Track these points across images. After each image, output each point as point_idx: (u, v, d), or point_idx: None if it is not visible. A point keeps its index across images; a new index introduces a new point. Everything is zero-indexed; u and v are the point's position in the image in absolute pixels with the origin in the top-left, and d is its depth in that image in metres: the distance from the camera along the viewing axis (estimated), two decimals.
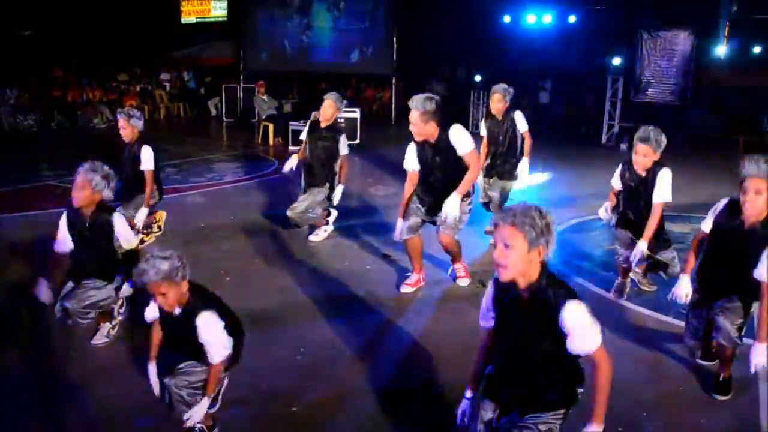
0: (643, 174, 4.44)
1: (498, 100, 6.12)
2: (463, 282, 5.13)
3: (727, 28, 14.99)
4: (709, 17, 14.25)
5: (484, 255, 5.92)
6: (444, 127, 4.65)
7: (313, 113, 6.24)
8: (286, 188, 8.45)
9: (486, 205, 6.46)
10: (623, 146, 13.20)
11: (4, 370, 3.64)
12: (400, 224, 4.87)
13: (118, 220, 3.81)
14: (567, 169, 11.04)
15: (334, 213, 6.54)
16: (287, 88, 17.96)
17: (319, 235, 6.29)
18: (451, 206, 4.57)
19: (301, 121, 12.75)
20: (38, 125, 14.71)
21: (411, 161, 4.84)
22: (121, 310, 4.16)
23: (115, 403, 3.32)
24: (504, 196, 6.33)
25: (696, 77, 13.92)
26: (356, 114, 12.90)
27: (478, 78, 17.20)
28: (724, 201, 3.54)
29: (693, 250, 3.66)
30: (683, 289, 3.64)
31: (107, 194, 3.75)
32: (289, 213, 6.00)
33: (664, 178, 4.35)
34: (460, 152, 4.62)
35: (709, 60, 14.76)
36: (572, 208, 7.43)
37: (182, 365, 2.92)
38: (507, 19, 16.41)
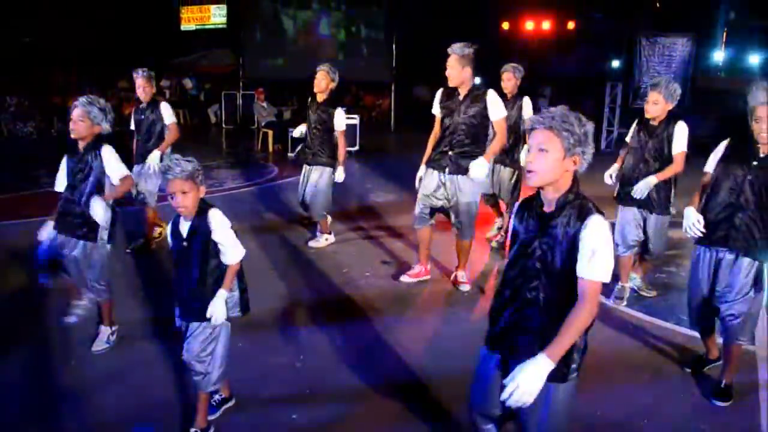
0: (657, 126, 4.46)
1: (507, 78, 6.05)
2: (464, 288, 5.13)
3: (724, 35, 15.08)
4: (707, 24, 14.33)
5: (485, 263, 5.93)
6: (479, 85, 4.82)
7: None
8: (286, 195, 8.47)
9: (491, 197, 6.33)
10: (622, 152, 13.14)
11: (2, 378, 3.63)
12: (422, 171, 4.99)
13: (107, 150, 3.71)
14: None
15: (329, 219, 6.54)
16: (287, 95, 18.01)
17: (320, 242, 6.27)
18: (479, 168, 4.65)
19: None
20: (38, 132, 14.73)
21: (436, 105, 4.96)
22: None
23: (114, 410, 3.30)
24: (508, 185, 6.15)
25: (694, 83, 13.99)
26: (356, 121, 12.92)
27: (477, 81, 17.27)
28: (723, 143, 3.50)
29: (700, 189, 3.58)
30: (692, 218, 3.44)
31: (105, 127, 3.71)
32: (308, 200, 6.12)
33: (681, 130, 4.42)
34: (493, 117, 4.78)
35: (707, 66, 14.84)
36: None
37: (187, 337, 2.98)
38: (506, 25, 16.48)
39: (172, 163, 2.77)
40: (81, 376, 3.65)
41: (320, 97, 6.05)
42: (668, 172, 4.44)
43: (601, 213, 2.12)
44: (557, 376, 2.12)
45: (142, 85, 5.97)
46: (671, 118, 4.46)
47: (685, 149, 4.43)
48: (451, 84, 4.82)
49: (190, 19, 20.96)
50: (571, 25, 15.84)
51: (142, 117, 6.05)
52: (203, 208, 2.88)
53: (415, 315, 4.67)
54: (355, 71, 17.12)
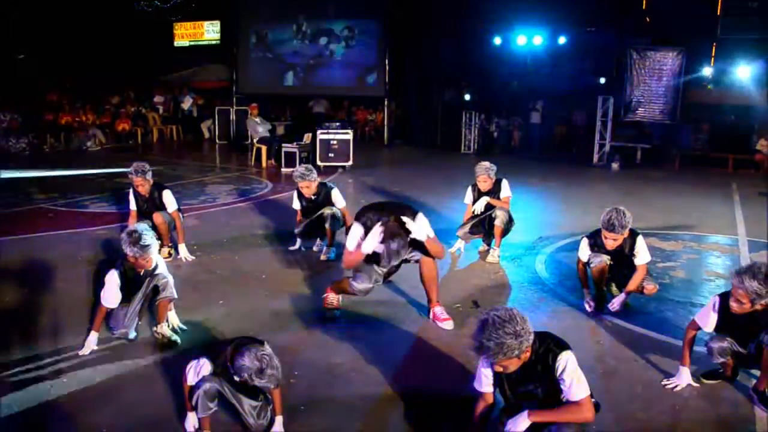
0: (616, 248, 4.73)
1: (483, 180, 6.21)
2: (447, 325, 4.63)
3: (714, 48, 15.26)
4: (697, 37, 14.51)
5: (476, 278, 5.93)
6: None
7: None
8: (278, 210, 8.45)
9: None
10: (614, 165, 13.32)
11: None
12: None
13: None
14: (559, 188, 11.10)
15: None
16: (280, 111, 18.06)
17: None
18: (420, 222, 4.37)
19: (294, 144, 12.81)
20: (30, 148, 14.70)
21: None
22: None
23: (108, 429, 3.26)
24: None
25: (685, 96, 14.12)
26: (349, 136, 12.91)
27: (467, 97, 17.35)
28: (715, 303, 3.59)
29: (687, 346, 3.75)
30: (684, 381, 3.73)
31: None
32: None
33: (641, 243, 4.73)
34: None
35: (697, 79, 15.00)
36: (565, 228, 7.44)
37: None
38: (498, 41, 16.61)
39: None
40: (73, 394, 3.60)
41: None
42: (635, 283, 4.79)
43: (563, 348, 2.72)
44: None
45: (140, 183, 5.98)
46: (629, 236, 4.72)
47: (648, 260, 4.82)
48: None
49: (183, 35, 21.08)
50: (562, 39, 15.97)
51: (145, 205, 6.12)
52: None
53: (411, 330, 4.64)
54: (348, 86, 17.25)
